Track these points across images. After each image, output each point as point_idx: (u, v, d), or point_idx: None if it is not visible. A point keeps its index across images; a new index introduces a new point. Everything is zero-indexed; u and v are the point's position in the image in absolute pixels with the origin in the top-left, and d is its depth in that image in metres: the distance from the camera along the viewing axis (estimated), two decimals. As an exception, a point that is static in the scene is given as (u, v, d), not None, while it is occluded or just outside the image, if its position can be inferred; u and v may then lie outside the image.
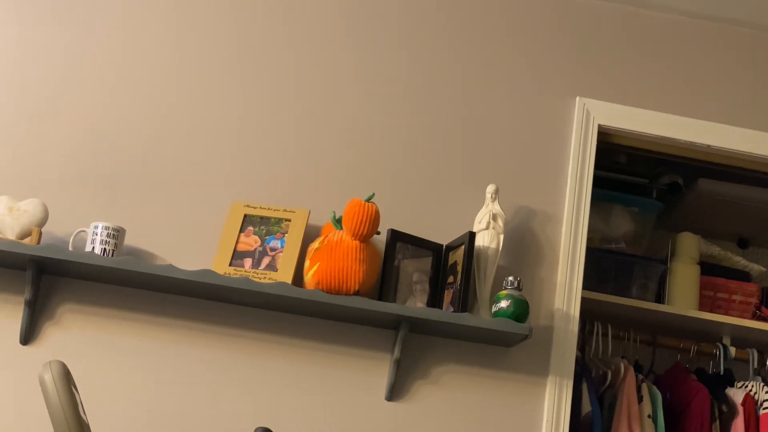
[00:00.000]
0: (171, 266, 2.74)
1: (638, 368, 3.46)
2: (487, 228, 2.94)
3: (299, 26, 3.16)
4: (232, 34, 3.13)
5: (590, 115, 3.18)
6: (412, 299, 2.92)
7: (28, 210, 2.77)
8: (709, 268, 3.75)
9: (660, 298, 3.63)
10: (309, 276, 2.80)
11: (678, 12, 3.31)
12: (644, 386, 3.33)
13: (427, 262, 2.96)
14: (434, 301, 2.92)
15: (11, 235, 2.75)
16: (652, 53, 3.29)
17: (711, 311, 3.60)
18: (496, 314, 2.83)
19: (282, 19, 3.16)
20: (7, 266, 2.81)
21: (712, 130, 3.23)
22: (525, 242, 3.08)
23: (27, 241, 2.75)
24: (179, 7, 3.13)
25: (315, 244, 2.84)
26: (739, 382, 3.46)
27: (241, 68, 3.11)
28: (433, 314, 2.80)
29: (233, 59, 3.11)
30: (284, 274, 2.82)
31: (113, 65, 3.06)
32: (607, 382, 3.36)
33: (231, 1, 3.15)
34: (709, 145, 3.23)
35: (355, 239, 2.78)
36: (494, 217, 2.95)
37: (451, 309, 2.85)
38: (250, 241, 2.91)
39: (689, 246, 3.71)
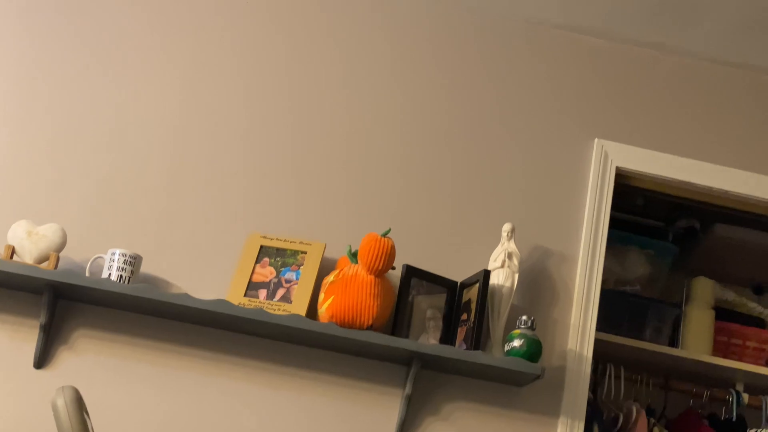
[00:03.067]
0: (186, 295, 2.75)
1: (650, 412, 3.44)
2: (502, 266, 2.95)
3: (318, 60, 3.18)
4: (251, 67, 3.15)
5: (608, 157, 3.19)
6: (425, 335, 2.91)
7: (46, 235, 2.79)
8: (723, 313, 3.73)
9: (674, 342, 3.61)
10: (323, 309, 2.81)
11: (698, 57, 3.32)
12: (656, 430, 3.31)
13: (441, 299, 2.97)
14: (447, 337, 2.92)
15: (29, 259, 2.77)
16: (671, 97, 3.30)
17: (725, 357, 3.58)
18: (509, 353, 2.82)
19: (301, 55, 3.18)
20: (24, 290, 2.83)
21: (730, 176, 3.23)
22: (539, 282, 3.08)
23: (44, 265, 2.76)
24: (202, 40, 3.16)
25: (330, 278, 2.85)
26: (751, 429, 3.43)
27: (261, 101, 3.13)
28: (446, 351, 2.79)
29: (253, 93, 3.13)
30: (298, 306, 2.83)
31: (134, 95, 3.09)
32: (619, 425, 3.34)
33: (251, 36, 3.18)
34: (726, 191, 3.23)
35: (370, 274, 2.79)
36: (509, 255, 2.95)
37: (464, 346, 2.85)
38: (266, 273, 2.92)
39: (704, 290, 3.69)
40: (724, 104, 3.32)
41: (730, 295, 3.84)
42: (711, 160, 3.24)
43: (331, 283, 2.82)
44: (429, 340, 2.90)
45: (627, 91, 3.29)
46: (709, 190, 3.25)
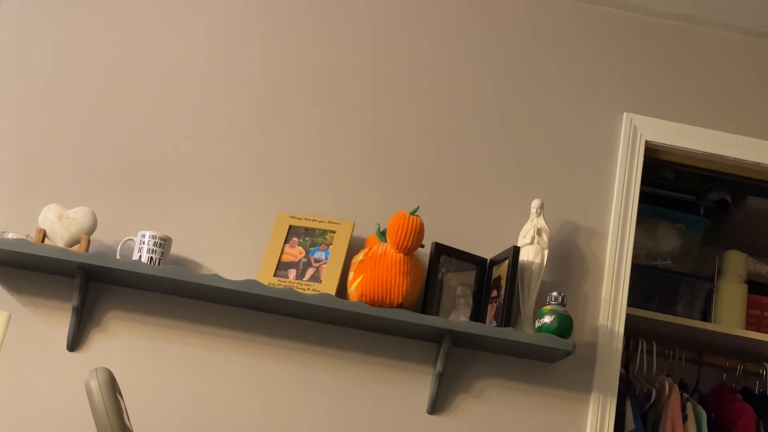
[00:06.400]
0: (216, 276, 2.76)
1: (683, 387, 3.43)
2: (531, 243, 2.93)
3: (346, 38, 3.18)
4: (281, 48, 3.15)
5: (637, 131, 3.17)
6: (455, 313, 2.91)
7: (77, 218, 2.81)
8: (756, 286, 3.70)
9: (706, 316, 3.59)
10: (353, 288, 2.81)
11: (728, 28, 3.28)
12: (689, 405, 3.29)
13: (470, 276, 2.96)
14: (477, 315, 2.92)
15: (60, 242, 2.79)
16: (700, 69, 3.26)
17: (758, 330, 3.56)
18: (540, 329, 2.82)
19: (328, 33, 3.18)
20: (56, 273, 2.85)
21: (762, 148, 3.19)
22: (570, 257, 3.06)
23: (76, 248, 2.78)
24: (228, 18, 3.16)
25: (359, 256, 2.85)
26: (785, 402, 3.41)
27: (288, 80, 3.13)
28: (476, 328, 2.79)
29: (279, 72, 3.13)
30: (328, 285, 2.83)
31: (163, 75, 3.09)
32: (651, 401, 3.33)
33: (281, 17, 3.18)
34: (758, 163, 3.20)
35: (399, 252, 2.78)
36: (539, 231, 2.94)
37: (494, 323, 2.84)
38: (295, 252, 2.92)
39: (736, 264, 3.67)
40: (754, 76, 3.28)
41: (763, 269, 3.80)
42: (742, 132, 3.21)
43: (361, 261, 2.82)
44: (459, 318, 2.89)
45: (656, 64, 3.25)
46: (740, 163, 3.22)
